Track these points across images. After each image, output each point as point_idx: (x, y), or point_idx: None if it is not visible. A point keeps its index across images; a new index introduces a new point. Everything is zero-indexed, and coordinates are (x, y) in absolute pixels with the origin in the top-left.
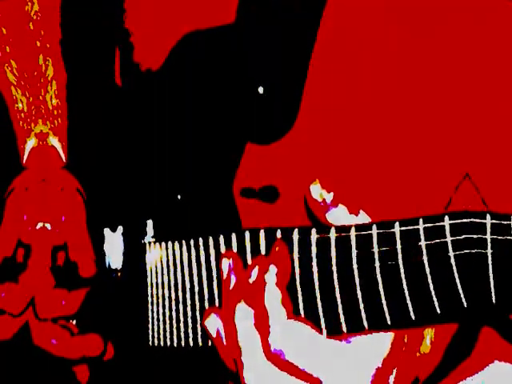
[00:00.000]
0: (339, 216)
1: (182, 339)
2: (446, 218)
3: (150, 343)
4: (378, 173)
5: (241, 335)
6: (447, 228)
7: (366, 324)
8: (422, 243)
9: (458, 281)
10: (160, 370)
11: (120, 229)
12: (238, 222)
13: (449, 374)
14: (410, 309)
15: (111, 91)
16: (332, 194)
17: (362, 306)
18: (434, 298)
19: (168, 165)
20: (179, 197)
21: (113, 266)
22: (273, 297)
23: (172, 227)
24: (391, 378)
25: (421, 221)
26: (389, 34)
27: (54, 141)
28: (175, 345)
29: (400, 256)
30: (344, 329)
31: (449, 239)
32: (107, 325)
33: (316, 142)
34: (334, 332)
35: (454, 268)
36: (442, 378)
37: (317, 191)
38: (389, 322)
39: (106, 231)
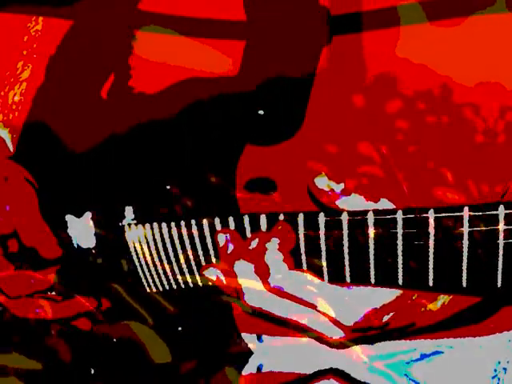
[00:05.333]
0: (353, 203)
1: (181, 283)
2: (501, 207)
3: (148, 290)
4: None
5: (240, 278)
6: (501, 216)
7: (372, 280)
8: (465, 229)
9: (500, 262)
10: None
11: (88, 214)
12: (236, 210)
13: (450, 329)
14: (430, 276)
15: (93, 100)
16: (342, 184)
17: (372, 264)
18: (464, 274)
19: (158, 155)
20: (168, 187)
21: (84, 246)
22: (274, 256)
23: (158, 212)
24: (386, 317)
25: (466, 208)
26: None
27: (2, 132)
28: (174, 287)
29: (432, 239)
30: (348, 279)
31: (502, 227)
32: (94, 286)
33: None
34: (336, 280)
35: (501, 253)
36: (441, 330)
37: (323, 182)
38: (400, 283)
39: (69, 217)
